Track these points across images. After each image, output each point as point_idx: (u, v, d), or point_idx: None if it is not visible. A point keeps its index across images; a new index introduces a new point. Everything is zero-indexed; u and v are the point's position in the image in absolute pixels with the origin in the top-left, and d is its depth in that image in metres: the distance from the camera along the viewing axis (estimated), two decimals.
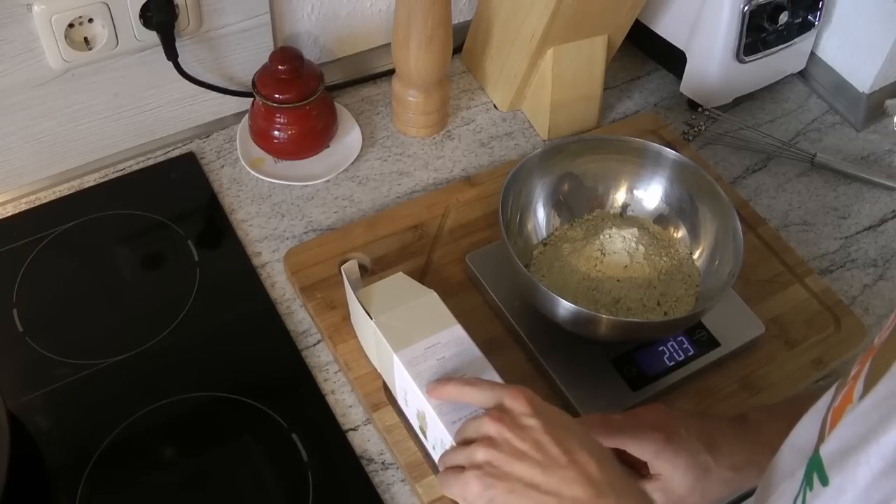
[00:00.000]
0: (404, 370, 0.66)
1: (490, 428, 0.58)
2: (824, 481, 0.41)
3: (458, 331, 0.68)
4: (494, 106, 1.04)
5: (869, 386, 0.42)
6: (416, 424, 0.70)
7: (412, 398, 0.67)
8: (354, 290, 0.72)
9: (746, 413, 0.68)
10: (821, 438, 0.46)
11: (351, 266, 0.74)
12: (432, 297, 0.71)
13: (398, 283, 0.73)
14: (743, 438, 0.65)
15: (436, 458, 0.69)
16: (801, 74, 1.10)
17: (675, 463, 0.62)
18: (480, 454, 0.57)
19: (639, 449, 0.63)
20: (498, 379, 0.66)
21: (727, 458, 0.63)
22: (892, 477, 0.37)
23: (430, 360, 0.66)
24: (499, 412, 0.58)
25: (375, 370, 0.76)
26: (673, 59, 1.05)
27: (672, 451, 0.63)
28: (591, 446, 0.57)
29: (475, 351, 0.67)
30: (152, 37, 0.84)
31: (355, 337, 0.78)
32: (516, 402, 0.58)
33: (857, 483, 0.39)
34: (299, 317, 0.83)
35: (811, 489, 0.42)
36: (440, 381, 0.64)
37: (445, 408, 0.64)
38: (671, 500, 0.63)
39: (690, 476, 0.63)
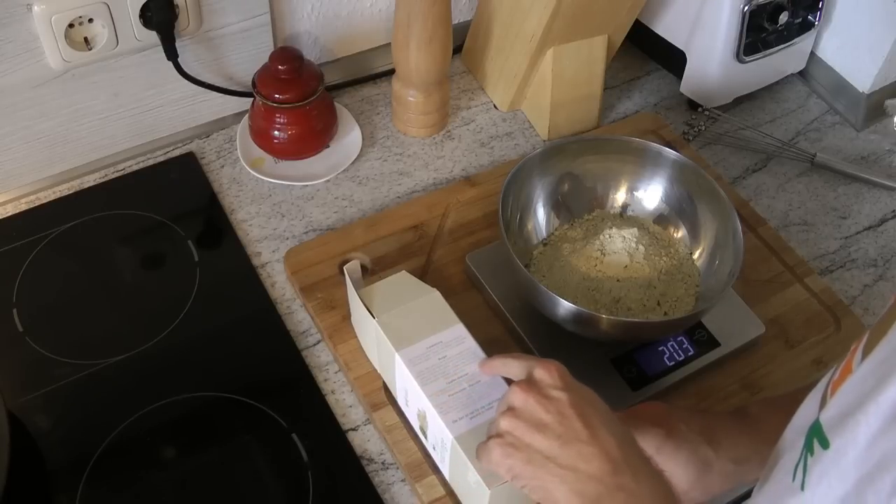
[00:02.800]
0: (405, 369, 0.66)
1: (516, 398, 0.58)
2: (825, 444, 0.41)
3: (460, 330, 0.68)
4: (494, 106, 1.04)
5: (867, 354, 0.42)
6: (416, 424, 0.70)
7: (413, 398, 0.67)
8: (357, 289, 0.72)
9: (747, 406, 0.68)
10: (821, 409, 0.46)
11: (353, 266, 0.74)
12: (435, 295, 0.71)
13: (401, 281, 0.73)
14: (744, 432, 0.65)
15: (436, 458, 0.69)
16: (801, 74, 1.10)
17: (676, 458, 0.63)
18: (504, 423, 0.58)
19: (640, 444, 0.63)
20: (500, 378, 0.66)
21: (728, 451, 0.64)
22: (890, 434, 0.38)
23: (431, 360, 0.66)
24: (527, 383, 0.59)
25: (375, 370, 0.76)
26: (673, 59, 1.05)
27: (673, 446, 0.63)
28: (614, 425, 0.58)
29: (477, 350, 0.67)
30: (152, 37, 0.84)
31: (355, 337, 0.78)
32: (547, 374, 0.59)
33: (858, 443, 0.39)
34: (299, 317, 0.83)
35: (812, 454, 0.42)
36: (488, 358, 0.65)
37: (446, 406, 0.64)
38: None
39: (691, 470, 0.63)
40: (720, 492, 0.65)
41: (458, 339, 0.68)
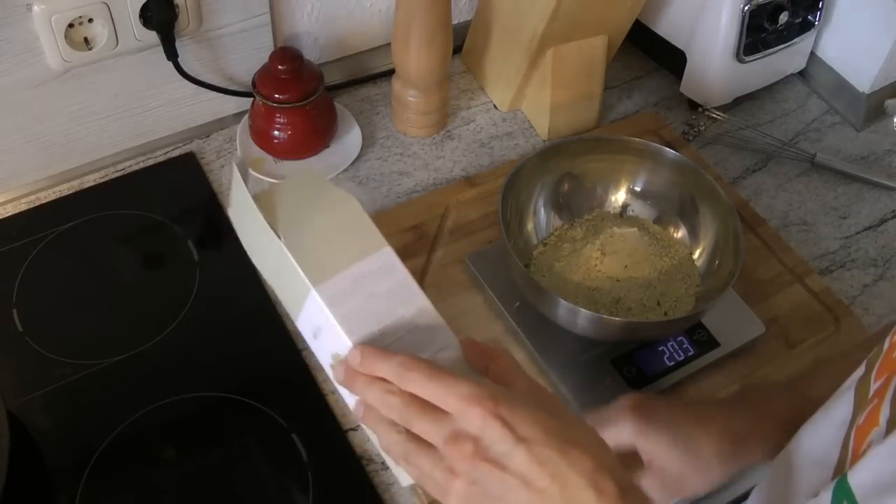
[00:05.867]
0: (326, 310, 0.53)
1: (460, 466, 0.45)
2: None
3: (389, 255, 0.55)
4: (494, 106, 1.04)
5: None
6: (327, 363, 0.58)
7: (331, 339, 0.55)
8: (249, 188, 0.56)
9: (741, 390, 0.66)
10: (844, 456, 0.45)
11: (242, 162, 0.59)
12: (353, 204, 0.57)
13: (309, 183, 0.59)
14: (739, 408, 0.63)
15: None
16: (801, 74, 1.10)
17: (659, 438, 0.61)
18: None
19: (616, 433, 0.62)
20: (435, 314, 0.54)
21: (721, 424, 0.62)
22: None
23: (358, 298, 0.53)
24: (469, 445, 0.45)
25: None
26: (673, 59, 1.05)
27: (652, 427, 0.61)
28: (585, 447, 0.46)
29: (412, 286, 0.54)
30: (152, 37, 0.84)
31: None
32: (487, 427, 0.45)
33: None
34: None
35: None
36: (407, 362, 0.49)
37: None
38: (670, 486, 0.62)
39: (679, 449, 0.61)
40: (720, 478, 0.62)
41: (387, 269, 0.54)
